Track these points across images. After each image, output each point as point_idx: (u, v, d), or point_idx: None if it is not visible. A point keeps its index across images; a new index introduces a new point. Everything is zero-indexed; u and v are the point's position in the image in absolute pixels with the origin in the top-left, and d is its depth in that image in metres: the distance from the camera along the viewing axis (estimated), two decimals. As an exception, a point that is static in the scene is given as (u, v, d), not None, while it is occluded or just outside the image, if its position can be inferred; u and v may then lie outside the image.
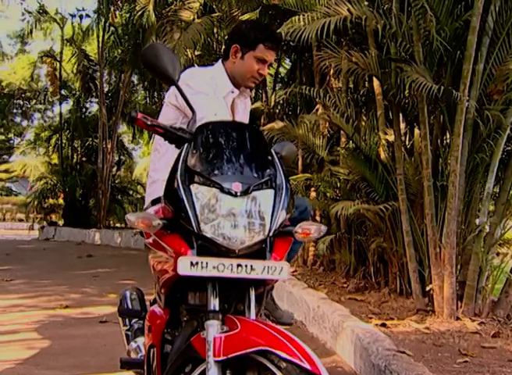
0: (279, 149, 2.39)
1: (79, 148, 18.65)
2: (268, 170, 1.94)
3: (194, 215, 1.81)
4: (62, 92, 19.10)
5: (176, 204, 1.86)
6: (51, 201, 18.58)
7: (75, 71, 17.96)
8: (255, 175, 1.89)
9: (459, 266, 4.80)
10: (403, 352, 3.46)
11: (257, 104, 8.86)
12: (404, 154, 5.37)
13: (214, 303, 1.87)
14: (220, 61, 2.80)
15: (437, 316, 4.57)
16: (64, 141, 18.64)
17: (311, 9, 4.88)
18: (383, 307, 5.18)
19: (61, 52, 19.16)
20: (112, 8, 15.54)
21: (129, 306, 3.02)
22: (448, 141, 5.00)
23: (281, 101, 8.88)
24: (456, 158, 4.39)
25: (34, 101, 25.52)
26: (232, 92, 2.75)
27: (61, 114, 18.95)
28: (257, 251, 1.88)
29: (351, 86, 6.82)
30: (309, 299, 5.49)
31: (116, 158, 18.80)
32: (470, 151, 4.65)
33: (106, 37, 16.13)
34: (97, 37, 16.16)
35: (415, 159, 5.20)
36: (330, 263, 7.35)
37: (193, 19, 7.93)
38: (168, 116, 2.64)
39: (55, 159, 19.38)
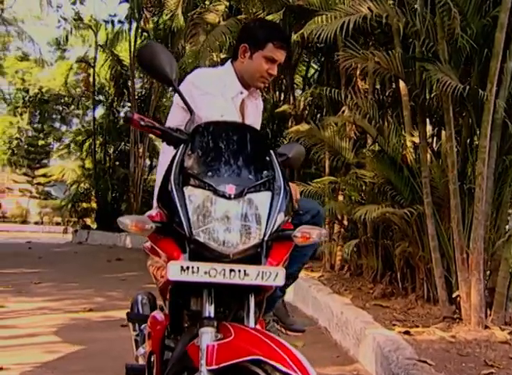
0: (286, 151, 2.31)
1: (111, 152, 18.86)
2: (265, 172, 1.86)
3: (186, 218, 1.75)
4: (96, 97, 19.35)
5: (169, 207, 1.80)
6: (84, 204, 18.82)
7: (108, 76, 18.18)
8: (251, 177, 1.82)
9: (488, 273, 4.63)
10: (425, 362, 3.33)
11: (285, 107, 8.79)
12: (431, 156, 5.22)
13: (209, 310, 1.80)
14: (229, 61, 2.75)
15: (464, 325, 4.40)
16: (97, 146, 18.89)
17: (334, 9, 4.76)
18: (409, 314, 5.03)
19: (95, 58, 19.43)
20: (144, 14, 15.68)
21: (140, 311, 2.99)
22: (477, 142, 4.84)
23: (309, 104, 8.79)
24: (483, 160, 4.23)
25: (72, 106, 25.97)
26: (242, 93, 2.69)
27: (94, 119, 19.20)
28: (253, 256, 1.80)
29: (378, 87, 6.69)
30: (333, 305, 5.38)
31: (148, 162, 18.95)
32: (498, 152, 4.48)
33: (138, 41, 16.27)
34: (129, 42, 16.31)
35: (443, 162, 5.04)
36: (357, 268, 7.20)
37: (219, 22, 7.91)
38: (176, 117, 2.59)
39: (89, 164, 19.61)
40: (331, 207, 6.38)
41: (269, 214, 1.80)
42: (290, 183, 2.34)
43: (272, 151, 1.97)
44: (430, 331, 4.27)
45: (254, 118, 2.83)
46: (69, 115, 30.95)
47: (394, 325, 4.55)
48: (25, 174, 37.97)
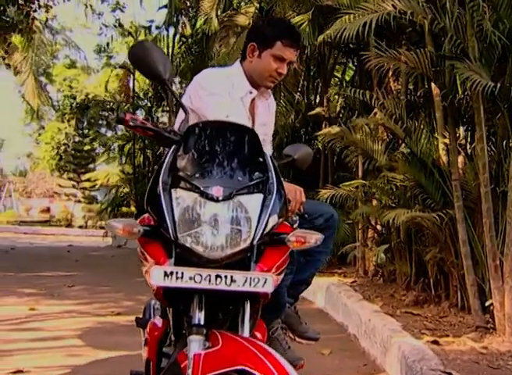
0: (292, 152, 2.25)
1: (150, 157, 19.00)
2: (257, 173, 1.80)
3: (172, 221, 1.69)
4: (136, 102, 19.54)
5: (156, 210, 1.75)
6: (124, 209, 18.98)
7: (147, 81, 18.33)
8: (240, 178, 1.76)
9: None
10: (449, 373, 3.17)
11: (318, 109, 8.66)
12: (464, 158, 5.02)
13: (198, 316, 1.75)
14: (238, 61, 2.69)
15: (498, 335, 4.20)
16: (136, 150, 19.07)
17: (358, 7, 4.63)
18: (440, 322, 4.83)
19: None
20: (182, 19, 15.77)
21: (150, 316, 2.93)
22: (512, 144, 4.63)
23: (343, 106, 8.65)
24: (517, 161, 4.03)
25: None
26: (251, 93, 2.62)
27: (134, 124, 19.34)
28: (243, 261, 1.75)
29: (411, 87, 6.50)
30: (361, 312, 5.24)
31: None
32: (535, 154, 4.27)
33: (176, 47, 16.38)
34: (167, 47, 16.43)
35: (475, 164, 4.84)
36: (391, 274, 7.01)
37: (249, 24, 7.86)
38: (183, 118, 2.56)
39: (129, 168, 19.80)
40: (363, 211, 6.21)
41: (260, 217, 1.73)
42: (295, 186, 2.26)
43: (266, 152, 1.91)
44: (460, 341, 4.08)
45: (266, 118, 2.76)
46: (113, 120, 31.53)
47: (423, 334, 4.38)
48: (70, 179, 38.78)
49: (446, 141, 5.09)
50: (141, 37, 19.74)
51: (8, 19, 16.55)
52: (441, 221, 4.78)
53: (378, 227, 7.27)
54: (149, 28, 18.20)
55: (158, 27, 17.74)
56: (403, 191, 5.38)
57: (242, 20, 8.25)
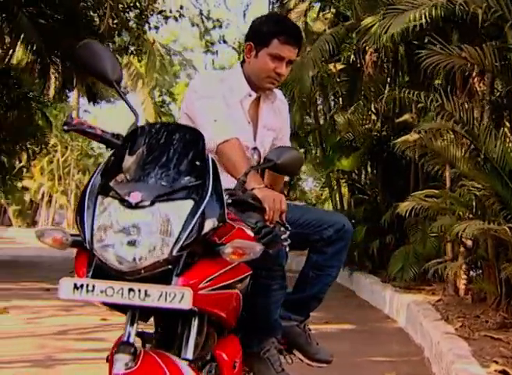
0: (274, 156, 2.04)
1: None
2: (188, 178, 1.64)
3: (90, 230, 1.58)
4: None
5: (79, 217, 1.64)
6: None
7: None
8: (165, 183, 1.61)
9: None
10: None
11: (406, 116, 8.21)
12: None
13: (128, 333, 1.63)
14: (239, 63, 2.54)
15: None
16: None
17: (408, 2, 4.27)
18: (522, 350, 4.28)
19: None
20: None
21: None
22: None
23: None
24: None
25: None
26: (250, 95, 2.45)
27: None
28: (166, 274, 1.59)
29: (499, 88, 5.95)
30: (434, 333, 4.81)
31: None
32: None
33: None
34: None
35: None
36: (481, 293, 6.41)
37: (325, 30, 7.62)
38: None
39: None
40: (442, 224, 5.73)
41: (184, 226, 1.57)
42: (275, 193, 2.05)
43: (209, 156, 1.75)
44: (534, 374, 3.57)
45: (272, 122, 2.57)
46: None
47: (494, 362, 3.88)
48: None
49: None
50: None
51: (119, 43, 17.51)
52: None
53: (468, 242, 6.70)
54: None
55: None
56: (480, 201, 4.88)
57: (318, 27, 8.04)
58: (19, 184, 26.78)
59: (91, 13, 15.25)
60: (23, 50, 13.40)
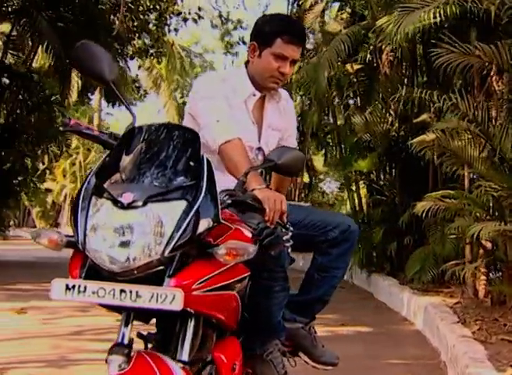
0: (274, 157, 2.02)
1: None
2: (181, 178, 1.65)
3: (83, 231, 1.59)
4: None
5: (73, 218, 1.66)
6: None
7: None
8: (158, 184, 1.61)
9: None
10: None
11: (424, 116, 8.10)
12: None
13: (123, 334, 1.64)
14: (244, 63, 2.55)
15: None
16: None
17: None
18: (540, 354, 4.19)
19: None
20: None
21: None
22: None
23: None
24: None
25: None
26: (254, 95, 2.45)
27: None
28: (160, 275, 1.60)
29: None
30: (450, 336, 4.73)
31: (306, 181, 18.85)
32: None
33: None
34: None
35: None
36: (501, 296, 6.29)
37: (340, 31, 7.56)
38: (186, 124, 2.46)
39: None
40: (458, 225, 5.64)
41: (176, 226, 1.57)
42: (275, 193, 2.04)
43: (205, 156, 1.75)
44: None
45: (277, 122, 2.56)
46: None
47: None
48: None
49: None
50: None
51: (139, 45, 17.64)
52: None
53: (488, 243, 6.59)
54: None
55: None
56: (497, 202, 4.79)
57: (333, 27, 7.98)
58: (42, 186, 27.10)
59: (112, 16, 15.41)
60: (44, 53, 13.59)
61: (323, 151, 18.03)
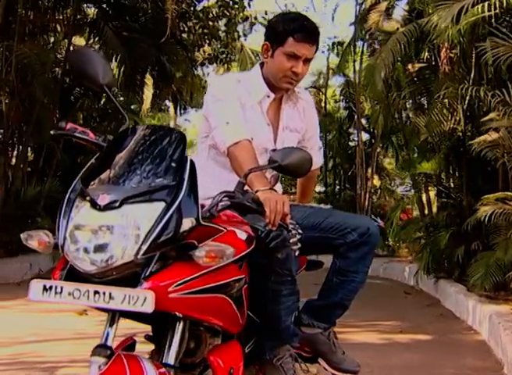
0: (278, 157, 1.97)
1: (342, 175, 18.97)
2: (159, 180, 1.64)
3: (64, 232, 1.61)
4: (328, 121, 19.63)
5: (57, 220, 1.68)
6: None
7: (337, 99, 18.35)
8: (135, 185, 1.62)
9: None
10: None
11: (492, 115, 7.68)
12: None
13: (107, 334, 1.65)
14: (258, 64, 2.51)
15: None
16: (329, 168, 19.19)
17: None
18: None
19: (326, 82, 19.86)
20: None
21: None
22: None
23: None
24: None
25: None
26: (268, 96, 2.41)
27: (325, 143, 19.47)
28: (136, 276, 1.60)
29: None
30: (510, 348, 4.45)
31: (377, 185, 18.46)
32: None
33: (365, 61, 16.08)
34: (353, 62, 16.24)
35: None
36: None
37: (397, 29, 7.31)
38: (202, 127, 2.47)
39: (319, 186, 19.93)
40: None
41: (152, 227, 1.56)
42: (278, 195, 1.98)
43: (188, 158, 1.74)
44: None
45: (295, 123, 2.51)
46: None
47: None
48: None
49: None
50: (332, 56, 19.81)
51: (209, 52, 17.93)
52: None
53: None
54: (338, 44, 18.21)
55: (340, 44, 17.68)
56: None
57: (390, 26, 7.74)
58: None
59: (181, 24, 15.75)
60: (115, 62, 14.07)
61: (393, 153, 17.66)
